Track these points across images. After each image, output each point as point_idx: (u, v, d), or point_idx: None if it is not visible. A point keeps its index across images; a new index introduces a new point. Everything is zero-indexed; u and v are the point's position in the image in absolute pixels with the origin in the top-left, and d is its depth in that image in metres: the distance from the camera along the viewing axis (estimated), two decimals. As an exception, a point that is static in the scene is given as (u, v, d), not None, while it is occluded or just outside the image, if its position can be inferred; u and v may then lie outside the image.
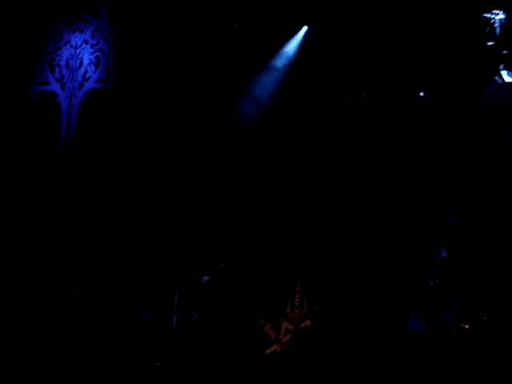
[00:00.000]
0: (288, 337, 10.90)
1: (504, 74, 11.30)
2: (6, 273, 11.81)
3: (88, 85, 12.48)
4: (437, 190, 11.55)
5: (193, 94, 12.19)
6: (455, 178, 11.57)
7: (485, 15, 11.15)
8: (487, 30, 11.24)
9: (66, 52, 12.64)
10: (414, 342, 10.27)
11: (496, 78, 11.32)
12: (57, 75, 12.68)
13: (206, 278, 11.08)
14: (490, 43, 11.23)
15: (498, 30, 11.16)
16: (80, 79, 12.51)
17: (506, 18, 11.17)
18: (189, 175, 12.16)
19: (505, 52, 11.23)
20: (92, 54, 12.54)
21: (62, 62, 12.64)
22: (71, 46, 12.64)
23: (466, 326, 10.54)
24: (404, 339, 10.45)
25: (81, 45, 12.60)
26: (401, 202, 11.91)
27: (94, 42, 12.54)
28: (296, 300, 11.09)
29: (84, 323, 11.01)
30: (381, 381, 9.85)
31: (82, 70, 12.54)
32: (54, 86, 12.64)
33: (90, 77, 12.49)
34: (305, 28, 12.01)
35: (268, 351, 10.87)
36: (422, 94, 11.93)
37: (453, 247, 10.68)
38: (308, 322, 10.94)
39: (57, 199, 12.19)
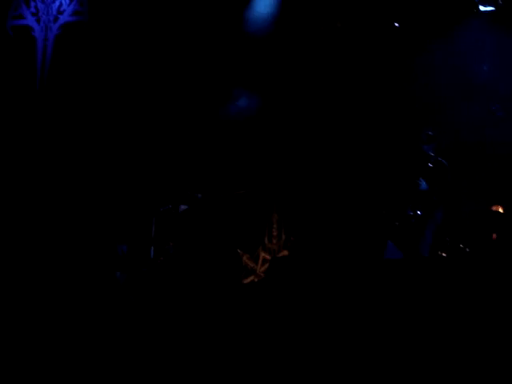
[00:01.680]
0: (265, 267, 10.94)
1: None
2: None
3: (63, 18, 12.39)
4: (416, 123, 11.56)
5: (167, 31, 12.15)
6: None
7: None
8: None
9: (40, -15, 12.56)
10: (391, 270, 10.30)
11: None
12: (32, 9, 12.57)
13: (183, 208, 11.08)
14: None
15: None
16: (55, 13, 12.42)
17: None
18: (166, 111, 12.13)
19: None
20: (66, -13, 12.45)
21: (38, -4, 12.57)
22: (45, -20, 12.55)
23: (444, 255, 10.59)
24: (381, 267, 10.48)
25: (55, -22, 12.51)
26: (379, 132, 11.93)
27: (68, -25, 12.45)
28: (274, 230, 11.11)
29: (63, 254, 11.05)
30: (357, 310, 9.89)
31: (57, 3, 12.45)
32: (30, 20, 12.55)
33: (64, 10, 12.41)
34: None
35: (246, 281, 10.92)
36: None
37: (431, 176, 10.67)
38: (285, 252, 10.98)
39: (32, 133, 12.16)
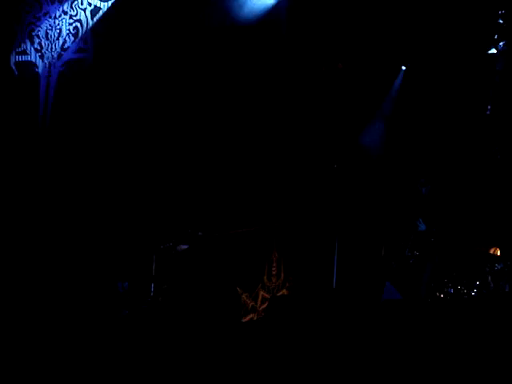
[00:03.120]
0: (265, 305, 11.00)
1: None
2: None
3: (66, 55, 12.50)
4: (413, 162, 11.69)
5: (171, 66, 12.27)
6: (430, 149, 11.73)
7: None
8: None
9: (45, 23, 12.65)
10: (390, 311, 10.38)
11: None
12: (36, 45, 12.68)
13: (184, 247, 11.14)
14: None
15: None
16: (59, 49, 12.53)
17: None
18: (167, 148, 12.23)
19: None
20: (71, 24, 12.55)
21: (41, 33, 12.64)
22: (50, 17, 12.64)
23: (441, 296, 10.67)
24: (379, 308, 10.56)
25: (60, 15, 12.60)
26: (377, 174, 12.05)
27: (72, 13, 12.55)
28: (273, 269, 11.19)
29: (64, 292, 11.07)
30: (356, 348, 9.95)
31: (61, 40, 12.55)
32: (33, 57, 12.65)
33: (68, 47, 12.52)
34: None
35: (245, 319, 10.97)
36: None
37: (428, 218, 10.77)
38: (284, 291, 11.06)
39: (35, 170, 12.23)
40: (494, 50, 11.30)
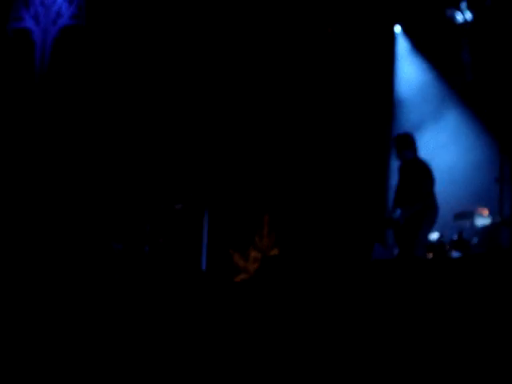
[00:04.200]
0: (256, 265, 11.15)
1: None
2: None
3: (61, 21, 12.63)
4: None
5: (164, 35, 12.43)
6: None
7: None
8: None
9: (40, -11, 12.81)
10: (380, 271, 10.51)
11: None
12: (32, 12, 12.81)
13: (179, 206, 11.31)
14: None
15: None
16: (54, 16, 12.67)
17: None
18: (160, 118, 12.41)
19: None
20: (66, -9, 12.71)
21: (37, 0, 12.80)
22: (45, -16, 12.79)
23: (430, 255, 10.79)
24: (370, 268, 10.70)
25: (55, -18, 12.75)
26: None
27: (67, -20, 12.70)
28: (264, 230, 11.34)
29: (60, 253, 11.24)
30: (347, 309, 10.08)
31: (56, 7, 12.68)
32: (29, 23, 12.78)
33: (63, 14, 12.65)
34: None
35: (237, 279, 11.13)
36: None
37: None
38: (276, 251, 11.19)
39: (31, 135, 12.41)
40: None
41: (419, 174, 9.26)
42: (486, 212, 11.03)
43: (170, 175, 12.04)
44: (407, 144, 9.39)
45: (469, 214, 11.10)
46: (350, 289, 10.35)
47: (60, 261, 11.15)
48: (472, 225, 11.02)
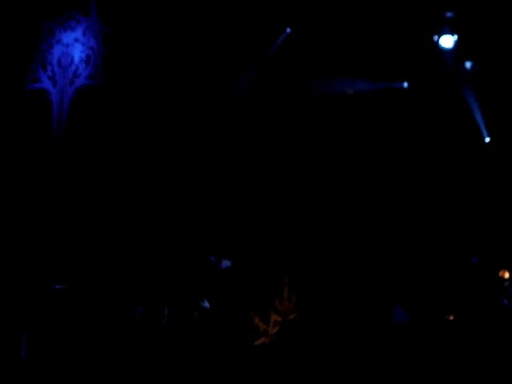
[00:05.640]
0: (276, 329, 11.11)
1: None
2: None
3: (78, 81, 12.68)
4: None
5: (179, 91, 12.48)
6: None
7: None
8: None
9: (57, 50, 12.82)
10: (399, 333, 10.52)
11: None
12: (49, 73, 12.85)
13: (226, 264, 11.38)
14: None
15: None
16: (71, 76, 12.71)
17: None
18: (178, 171, 12.43)
19: None
20: (83, 51, 12.73)
21: (54, 60, 12.82)
22: (63, 45, 12.81)
23: (451, 318, 10.79)
24: (389, 330, 10.71)
25: (72, 43, 12.78)
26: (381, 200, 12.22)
27: (84, 41, 12.73)
28: (285, 292, 11.29)
29: (80, 315, 11.20)
30: (367, 369, 10.09)
31: (73, 67, 12.73)
32: (46, 84, 12.83)
33: (80, 74, 12.69)
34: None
35: (257, 343, 11.08)
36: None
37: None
38: (296, 314, 11.15)
39: (50, 197, 12.41)
40: None
41: None
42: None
43: (188, 238, 12.05)
44: None
45: None
46: (370, 354, 10.38)
47: (81, 320, 11.14)
48: None
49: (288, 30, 12.40)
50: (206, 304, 11.08)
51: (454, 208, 11.82)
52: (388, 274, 11.61)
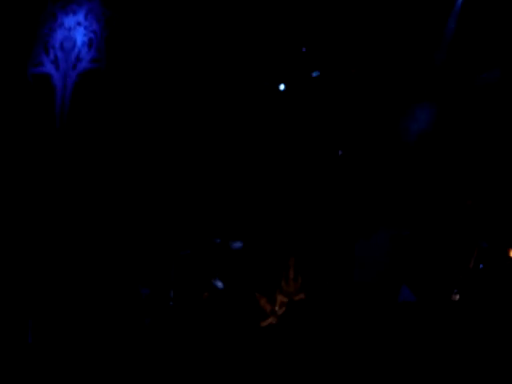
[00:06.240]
0: (283, 309, 11.11)
1: None
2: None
3: (81, 65, 12.66)
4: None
5: (182, 75, 12.45)
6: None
7: None
8: None
9: (60, 34, 12.81)
10: (406, 313, 10.53)
11: None
12: (51, 57, 12.83)
13: (237, 245, 11.40)
14: None
15: None
16: (74, 60, 12.69)
17: None
18: (184, 155, 12.41)
19: None
20: (85, 35, 12.71)
21: (57, 44, 12.80)
22: (65, 28, 12.80)
23: (457, 298, 10.80)
24: (396, 310, 10.71)
25: (74, 27, 12.77)
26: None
27: (87, 24, 12.71)
28: (290, 273, 11.29)
29: (87, 298, 11.23)
30: (374, 351, 10.10)
31: (76, 51, 12.71)
32: (49, 68, 12.81)
33: (83, 57, 12.67)
34: None
35: (264, 324, 11.08)
36: None
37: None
38: (302, 295, 11.15)
39: (53, 184, 12.41)
40: None
41: None
42: None
43: (195, 219, 12.04)
44: None
45: None
46: (376, 333, 10.38)
47: (87, 303, 11.15)
48: None
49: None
50: (220, 284, 11.08)
51: (462, 191, 11.79)
52: (394, 254, 11.60)
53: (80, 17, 12.74)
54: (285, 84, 12.30)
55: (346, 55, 12.19)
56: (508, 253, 10.77)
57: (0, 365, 9.58)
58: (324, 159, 12.32)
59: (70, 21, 12.78)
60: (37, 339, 10.80)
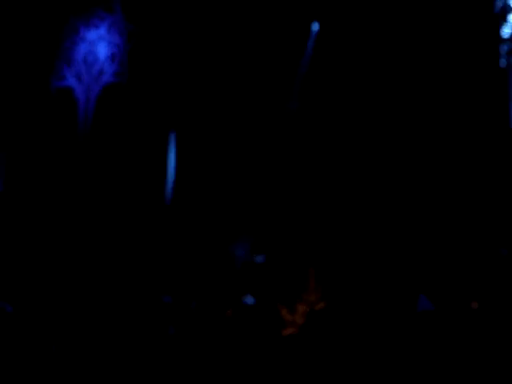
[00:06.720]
0: (303, 319, 11.17)
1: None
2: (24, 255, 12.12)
3: (104, 79, 12.80)
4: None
5: (203, 88, 12.59)
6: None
7: None
8: None
9: (82, 48, 12.95)
10: (425, 322, 10.57)
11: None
12: (74, 70, 12.97)
13: (260, 259, 11.50)
14: None
15: None
16: (96, 74, 12.83)
17: None
18: (204, 166, 12.54)
19: None
20: (108, 49, 12.85)
21: (79, 58, 12.95)
22: (87, 42, 12.95)
23: (475, 306, 10.83)
24: (415, 319, 10.76)
25: (97, 40, 12.91)
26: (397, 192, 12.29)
27: (109, 38, 12.86)
28: (310, 284, 11.37)
29: (109, 305, 11.31)
30: (393, 360, 10.14)
31: (99, 64, 12.85)
32: (72, 81, 12.95)
33: (106, 71, 12.81)
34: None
35: (285, 333, 11.15)
36: None
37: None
38: (322, 304, 11.22)
39: (76, 196, 12.54)
40: None
41: None
42: None
43: (215, 233, 12.17)
44: None
45: None
46: (396, 343, 10.43)
47: (111, 313, 11.25)
48: None
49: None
50: (251, 299, 11.17)
51: (482, 199, 11.86)
52: (414, 264, 11.67)
53: (102, 31, 12.89)
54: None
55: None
56: None
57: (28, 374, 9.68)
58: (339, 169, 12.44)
59: (92, 35, 12.93)
60: (60, 350, 10.89)
